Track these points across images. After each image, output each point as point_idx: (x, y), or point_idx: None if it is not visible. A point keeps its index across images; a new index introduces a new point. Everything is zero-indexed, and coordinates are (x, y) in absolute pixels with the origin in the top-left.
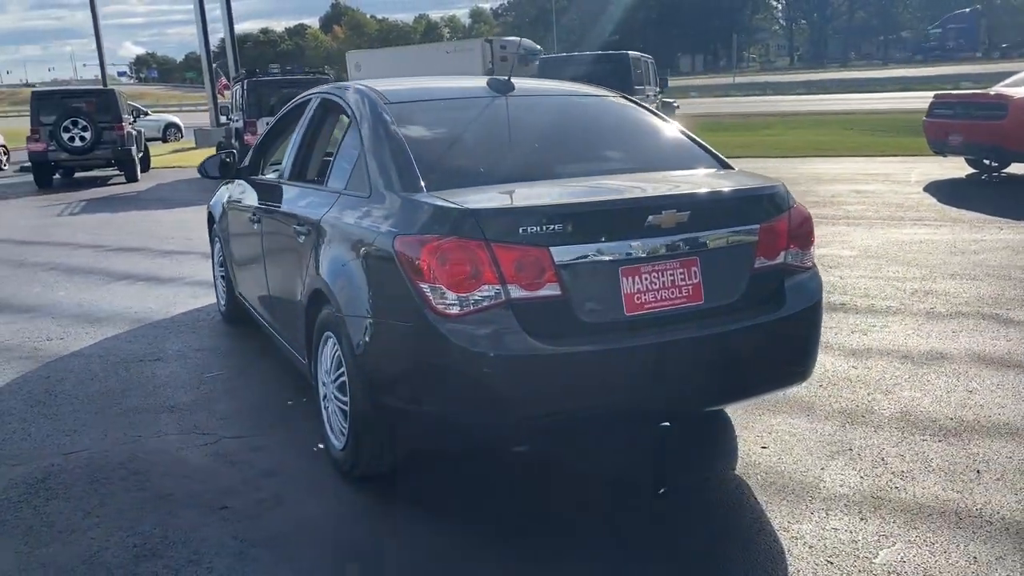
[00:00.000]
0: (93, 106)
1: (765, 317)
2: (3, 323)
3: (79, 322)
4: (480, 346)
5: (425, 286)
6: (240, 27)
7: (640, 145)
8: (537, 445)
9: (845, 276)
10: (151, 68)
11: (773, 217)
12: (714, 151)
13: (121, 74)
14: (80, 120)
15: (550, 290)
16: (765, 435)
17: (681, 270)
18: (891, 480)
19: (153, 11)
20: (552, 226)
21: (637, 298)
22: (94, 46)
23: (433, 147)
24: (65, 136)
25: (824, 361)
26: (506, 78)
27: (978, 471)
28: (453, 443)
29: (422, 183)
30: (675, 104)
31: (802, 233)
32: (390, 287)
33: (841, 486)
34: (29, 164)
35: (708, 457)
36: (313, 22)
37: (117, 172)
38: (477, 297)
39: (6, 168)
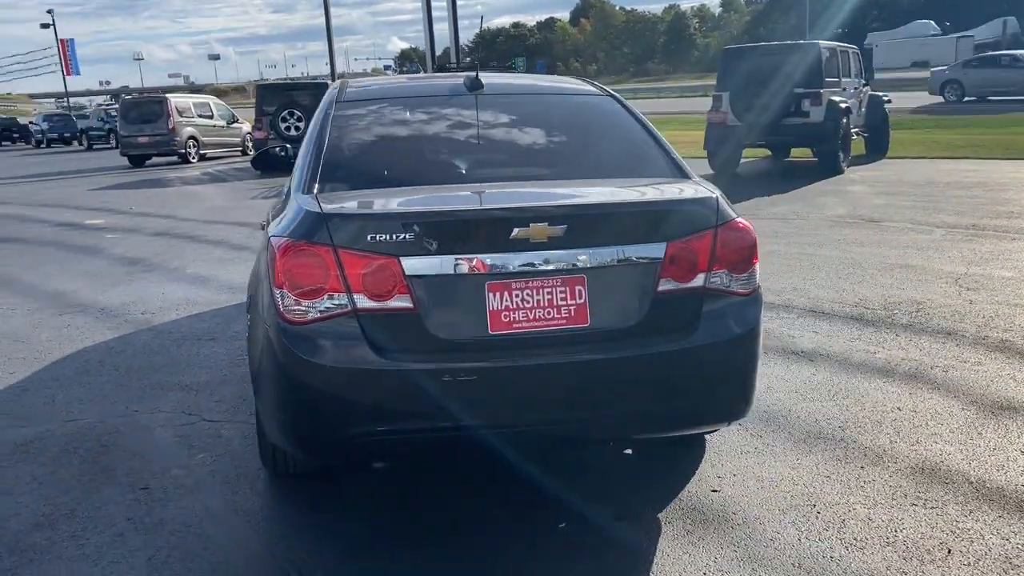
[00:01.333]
0: (309, 98)
1: (669, 346)
2: (119, 292)
3: (184, 295)
4: (319, 356)
5: (277, 291)
6: (496, 21)
7: (586, 150)
8: (398, 461)
9: (976, 300)
10: (412, 62)
11: (689, 235)
12: (675, 158)
13: (387, 67)
14: (296, 111)
15: (400, 302)
16: (728, 476)
17: (563, 289)
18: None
19: (419, 8)
20: (403, 235)
21: (505, 316)
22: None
23: (356, 147)
24: (282, 125)
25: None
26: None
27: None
28: (299, 453)
29: (316, 185)
30: (885, 98)
31: (734, 253)
32: (265, 290)
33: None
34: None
35: (631, 492)
36: (564, 15)
37: None
38: (323, 306)
39: (251, 153)
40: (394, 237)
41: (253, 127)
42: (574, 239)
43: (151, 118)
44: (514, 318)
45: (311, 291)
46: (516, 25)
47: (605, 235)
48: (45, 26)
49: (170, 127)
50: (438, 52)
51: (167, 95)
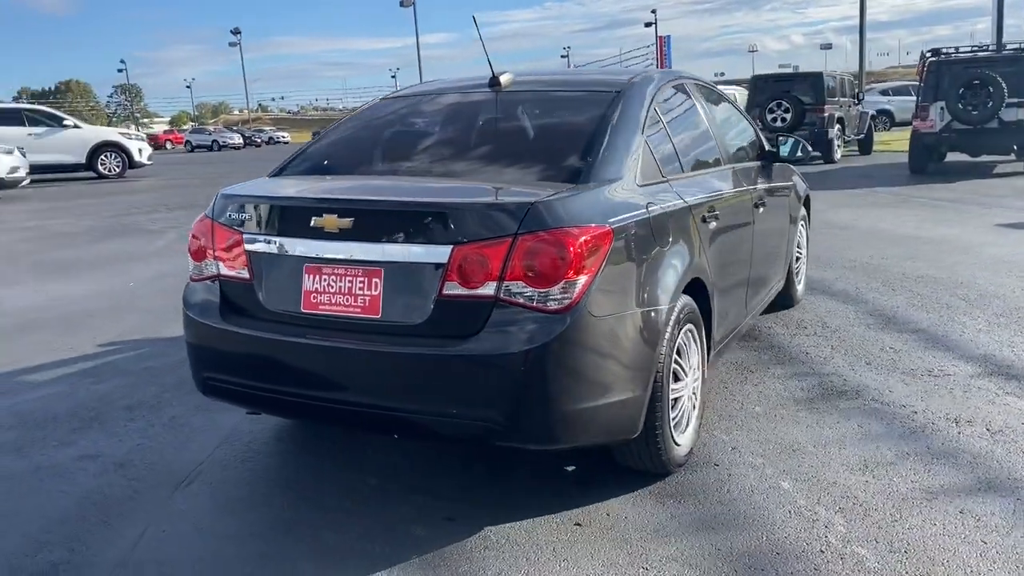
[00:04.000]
0: (801, 89)
1: (445, 350)
2: None
3: None
4: (192, 310)
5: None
6: None
7: (504, 149)
8: (271, 413)
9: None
10: None
11: (481, 240)
12: (580, 166)
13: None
14: (784, 102)
15: (242, 273)
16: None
17: (363, 279)
18: None
19: None
20: (242, 215)
21: (314, 297)
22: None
23: (339, 137)
24: (769, 117)
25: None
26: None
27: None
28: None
29: (278, 172)
30: None
31: (536, 265)
32: None
33: None
34: None
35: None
36: None
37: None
38: (203, 269)
39: None
40: (241, 216)
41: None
42: (371, 233)
43: None
44: (321, 300)
45: (196, 255)
46: None
47: (396, 232)
48: (648, 24)
49: None
50: None
51: None
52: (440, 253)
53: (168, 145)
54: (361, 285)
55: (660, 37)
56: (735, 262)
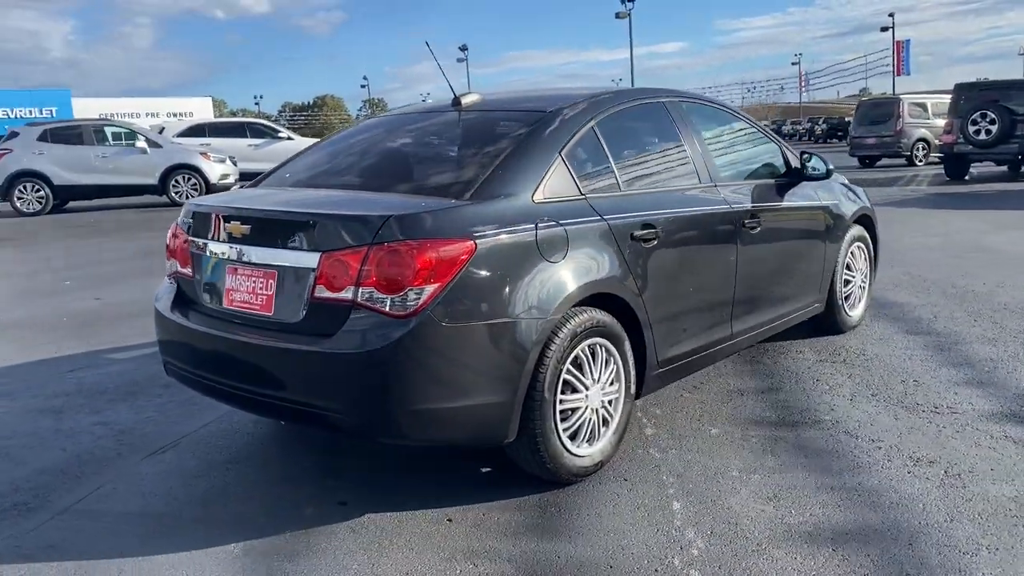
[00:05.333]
0: (1012, 97)
1: (310, 347)
2: None
3: None
4: (158, 301)
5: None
6: None
7: (426, 165)
8: (205, 395)
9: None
10: None
11: (342, 248)
12: (471, 182)
13: None
14: (990, 112)
15: (187, 271)
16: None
17: (262, 280)
18: None
19: None
20: (189, 220)
21: (231, 295)
22: None
23: (308, 153)
24: (971, 128)
25: None
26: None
27: None
28: None
29: (253, 181)
30: None
31: (385, 273)
32: None
33: None
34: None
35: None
36: None
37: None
38: (170, 267)
39: (920, 163)
40: (188, 221)
41: (943, 130)
42: (267, 239)
43: (882, 119)
44: (235, 298)
45: (168, 255)
46: None
47: (283, 239)
48: (884, 29)
49: (897, 128)
50: None
51: (903, 96)
52: (312, 259)
53: None
54: (261, 286)
55: (898, 42)
56: (700, 282)
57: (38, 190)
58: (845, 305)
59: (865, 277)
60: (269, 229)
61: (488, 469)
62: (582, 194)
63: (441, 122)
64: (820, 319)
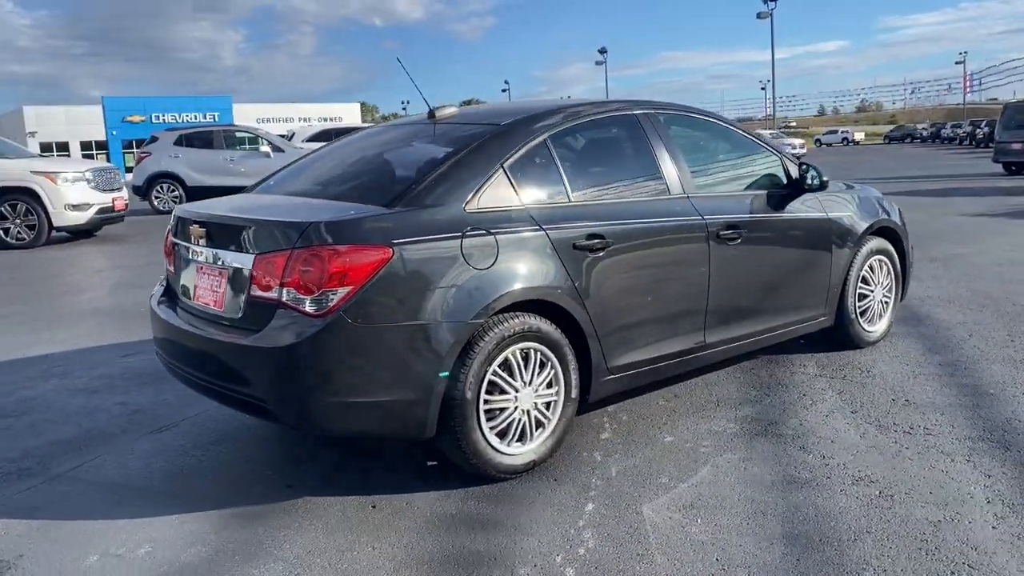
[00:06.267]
0: None
1: (241, 341)
2: None
3: None
4: (151, 299)
5: None
6: None
7: (377, 175)
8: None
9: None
10: None
11: (269, 252)
12: (403, 191)
13: None
14: None
15: (172, 270)
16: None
17: (218, 278)
18: None
19: None
20: (174, 224)
21: (198, 291)
22: None
23: (297, 162)
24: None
25: None
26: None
27: None
28: None
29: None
30: None
31: (304, 275)
32: None
33: None
34: None
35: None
36: None
37: None
38: (165, 266)
39: None
40: (174, 225)
41: None
42: (216, 242)
43: None
44: (199, 294)
45: (164, 255)
46: None
47: (229, 242)
48: None
49: None
50: None
51: None
52: (249, 260)
53: None
54: (216, 284)
55: None
56: (661, 292)
57: (173, 190)
58: (861, 320)
59: (889, 291)
60: (223, 233)
61: (435, 463)
62: (523, 204)
63: (411, 134)
64: (831, 333)
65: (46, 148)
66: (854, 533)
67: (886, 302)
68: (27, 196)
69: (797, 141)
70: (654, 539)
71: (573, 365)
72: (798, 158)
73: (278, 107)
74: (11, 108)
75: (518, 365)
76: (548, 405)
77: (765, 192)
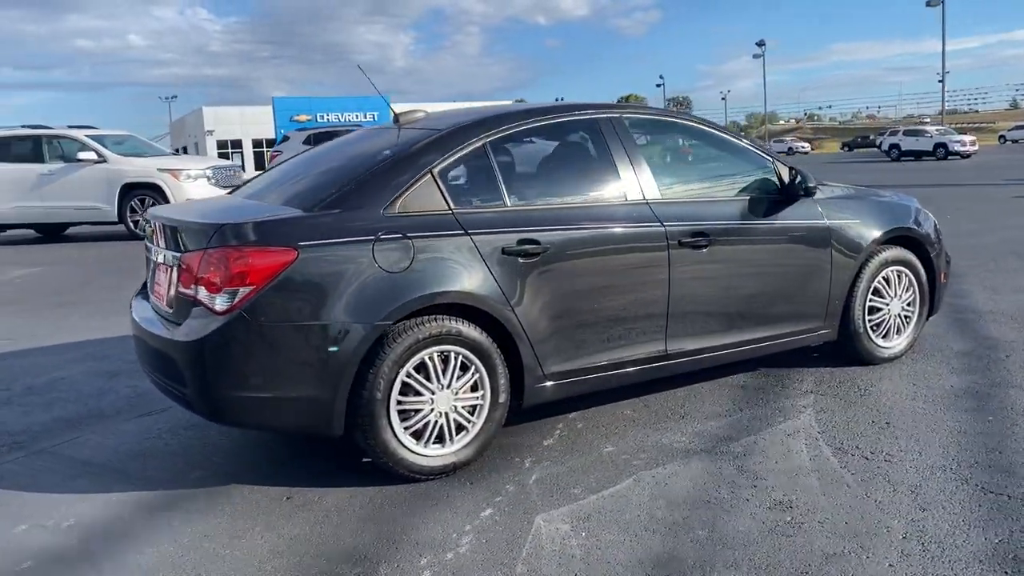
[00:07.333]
0: None
1: (163, 334)
2: None
3: None
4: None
5: None
6: None
7: (322, 178)
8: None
9: None
10: None
11: (189, 251)
12: (327, 195)
13: None
14: None
15: (146, 270)
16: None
17: (165, 276)
18: None
19: None
20: (145, 227)
21: (156, 289)
22: None
23: (277, 165)
24: None
25: None
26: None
27: None
28: None
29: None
30: None
31: (210, 274)
32: None
33: None
34: None
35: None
36: None
37: None
38: None
39: None
40: (146, 227)
41: None
42: (167, 242)
43: None
44: (156, 292)
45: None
46: None
47: (172, 242)
48: None
49: None
50: None
51: None
52: (176, 259)
53: None
54: (164, 281)
55: None
56: (608, 298)
57: None
58: (872, 335)
59: (910, 305)
60: (168, 234)
61: (368, 460)
62: (450, 209)
63: (374, 139)
64: (838, 348)
65: (222, 146)
66: (733, 561)
67: (907, 317)
68: (153, 191)
69: (968, 138)
70: (528, 549)
71: (502, 370)
72: (966, 156)
73: (430, 106)
74: (194, 108)
75: (435, 368)
76: (473, 409)
77: (748, 198)
